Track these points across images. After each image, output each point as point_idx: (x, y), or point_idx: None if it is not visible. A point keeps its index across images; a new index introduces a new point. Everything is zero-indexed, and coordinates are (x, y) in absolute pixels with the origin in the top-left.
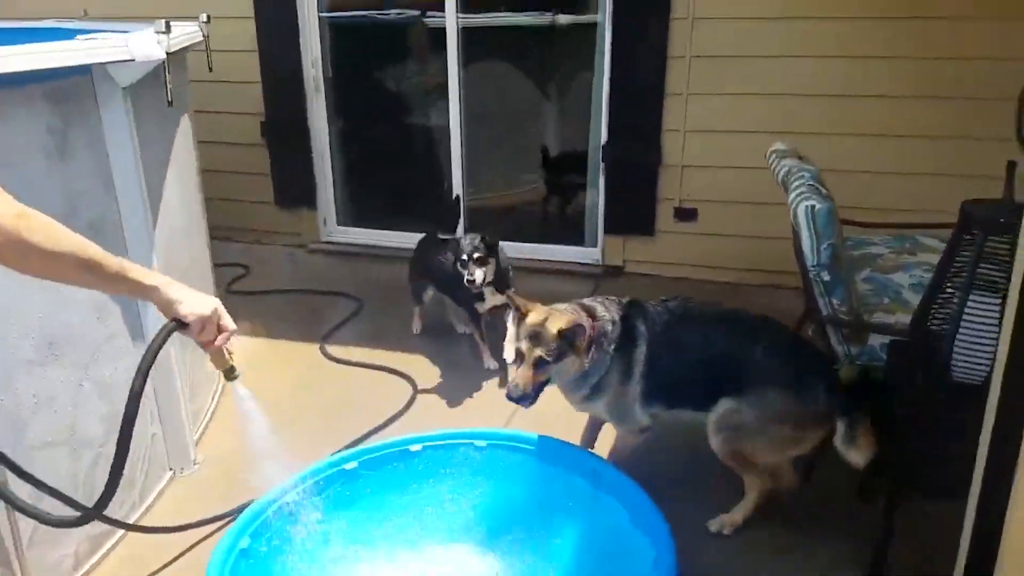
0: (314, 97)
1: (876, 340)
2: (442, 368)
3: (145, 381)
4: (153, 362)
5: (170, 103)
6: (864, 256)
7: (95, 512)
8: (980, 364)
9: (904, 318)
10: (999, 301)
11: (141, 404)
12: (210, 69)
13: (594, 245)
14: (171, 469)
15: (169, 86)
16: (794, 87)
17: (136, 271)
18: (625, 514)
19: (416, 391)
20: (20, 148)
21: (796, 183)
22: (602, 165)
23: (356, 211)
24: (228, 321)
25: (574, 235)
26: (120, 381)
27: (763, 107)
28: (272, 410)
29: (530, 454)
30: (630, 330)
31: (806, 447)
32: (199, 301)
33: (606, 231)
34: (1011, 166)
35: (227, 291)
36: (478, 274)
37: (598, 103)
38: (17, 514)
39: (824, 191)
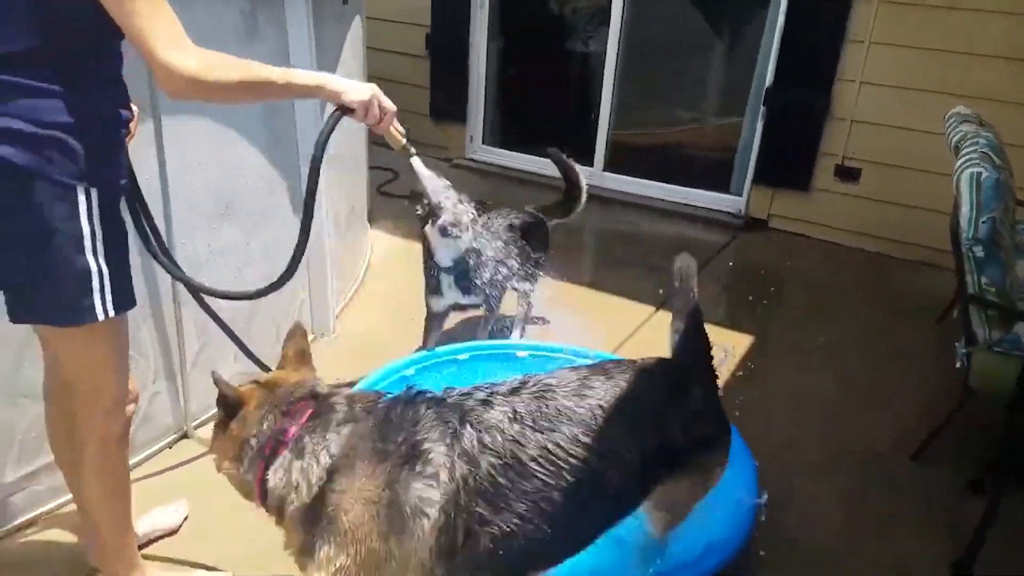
0: (478, 13)
1: (1023, 329)
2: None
3: (322, 157)
4: (326, 144)
5: (345, 1)
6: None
7: (277, 285)
8: None
9: None
10: None
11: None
12: None
13: (739, 194)
14: (313, 334)
15: None
16: (989, 47)
17: (300, 76)
18: None
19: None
20: (216, 28)
21: (968, 148)
22: (763, 109)
23: (503, 132)
24: (388, 103)
25: (719, 180)
26: (281, 246)
27: (952, 65)
28: (402, 305)
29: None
30: None
31: None
32: (359, 88)
33: (755, 180)
34: None
35: (377, 191)
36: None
37: (768, 43)
38: (183, 339)
39: (998, 161)
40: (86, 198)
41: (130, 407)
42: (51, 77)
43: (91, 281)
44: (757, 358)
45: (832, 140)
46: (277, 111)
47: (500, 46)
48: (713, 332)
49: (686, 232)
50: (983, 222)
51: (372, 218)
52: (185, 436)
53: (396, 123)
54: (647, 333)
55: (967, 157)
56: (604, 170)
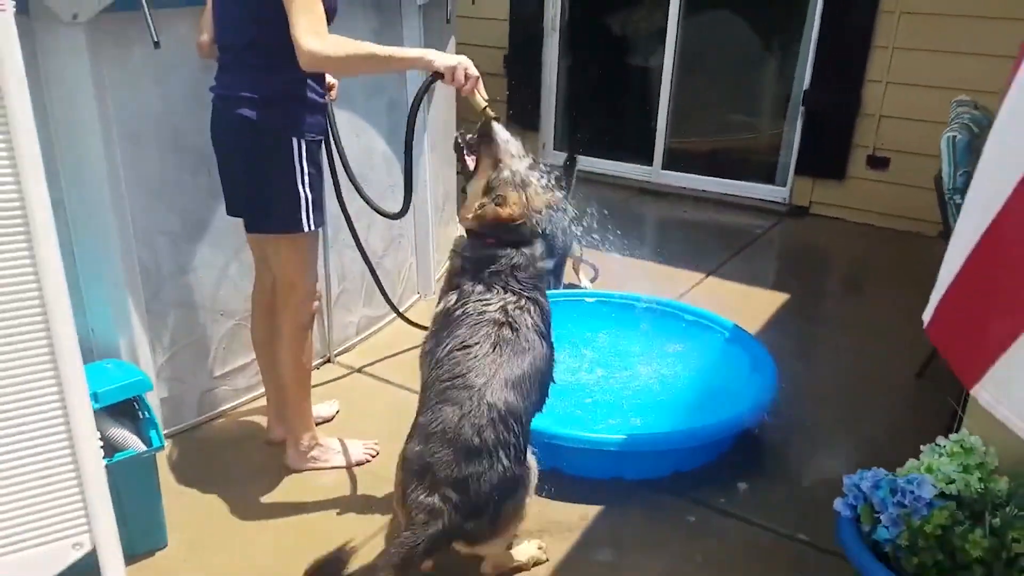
0: (550, 35)
1: None
2: None
3: (417, 109)
4: (420, 101)
5: (448, 21)
6: None
7: (401, 214)
8: None
9: None
10: None
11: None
12: (472, 2)
13: (783, 184)
14: (418, 293)
15: (449, 7)
16: (997, 48)
17: (402, 51)
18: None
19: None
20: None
21: (953, 122)
22: (801, 109)
23: (571, 138)
24: (473, 71)
25: (765, 173)
26: (394, 221)
27: (965, 65)
28: None
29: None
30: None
31: None
32: (450, 56)
33: (797, 172)
34: None
35: (461, 191)
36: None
37: (805, 52)
38: (329, 282)
39: (976, 131)
40: (297, 145)
41: (315, 303)
42: (264, 60)
43: (301, 203)
44: (799, 317)
45: (863, 133)
46: (395, 108)
47: (568, 63)
48: (761, 295)
49: (736, 219)
50: (959, 176)
51: (459, 209)
52: (328, 361)
53: (481, 89)
54: (696, 295)
55: (949, 128)
56: (661, 168)
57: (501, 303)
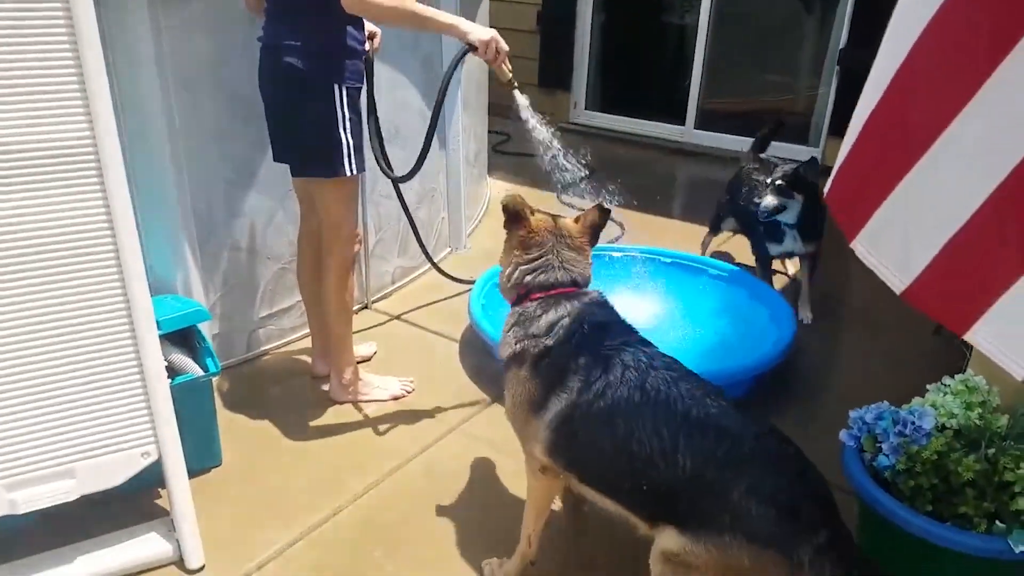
0: None
1: None
2: None
3: (450, 79)
4: (453, 70)
5: None
6: None
7: (408, 176)
8: None
9: None
10: None
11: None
12: None
13: (816, 145)
14: (450, 247)
15: None
16: None
17: (440, 16)
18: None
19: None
20: None
21: None
22: (836, 68)
23: (603, 98)
24: (503, 45)
25: (798, 133)
26: (427, 172)
27: None
28: None
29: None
30: (563, 364)
31: None
32: (483, 30)
33: (830, 132)
34: None
35: (493, 150)
36: (769, 200)
37: (842, 11)
38: (367, 232)
39: None
40: (339, 93)
41: (357, 245)
42: (314, 14)
43: (344, 148)
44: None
45: None
46: (430, 65)
47: (602, 20)
48: None
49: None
50: None
51: (489, 170)
52: (366, 307)
53: (507, 62)
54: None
55: None
56: (694, 128)
57: None
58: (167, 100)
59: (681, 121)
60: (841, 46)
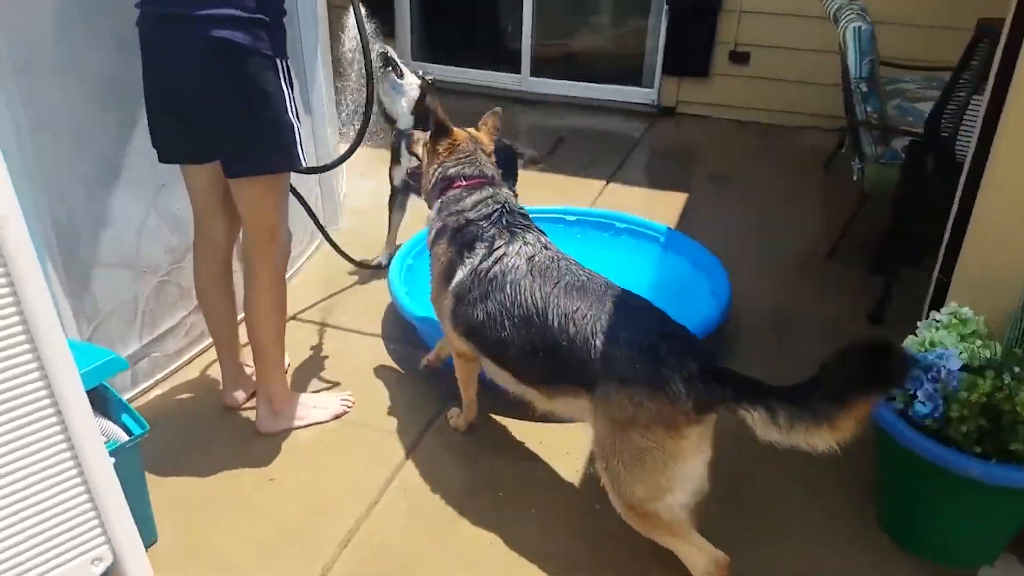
0: None
1: (897, 144)
2: None
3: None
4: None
5: None
6: (896, 89)
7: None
8: None
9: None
10: None
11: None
12: None
13: (651, 86)
14: (325, 223)
15: None
16: None
17: None
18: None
19: None
20: None
21: (847, 13)
22: (665, 8)
23: (429, 47)
24: None
25: (632, 75)
26: None
27: None
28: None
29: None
30: (476, 231)
31: (679, 471)
32: None
33: (664, 72)
34: None
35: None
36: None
37: None
38: None
39: (869, 20)
40: (282, 67)
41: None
42: None
43: (294, 134)
44: (691, 211)
45: (725, 30)
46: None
47: None
48: (654, 195)
49: (609, 124)
50: (865, 64)
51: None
52: None
53: None
54: (605, 202)
55: (847, 18)
56: (531, 76)
57: None
58: (2, 88)
59: (516, 69)
60: None
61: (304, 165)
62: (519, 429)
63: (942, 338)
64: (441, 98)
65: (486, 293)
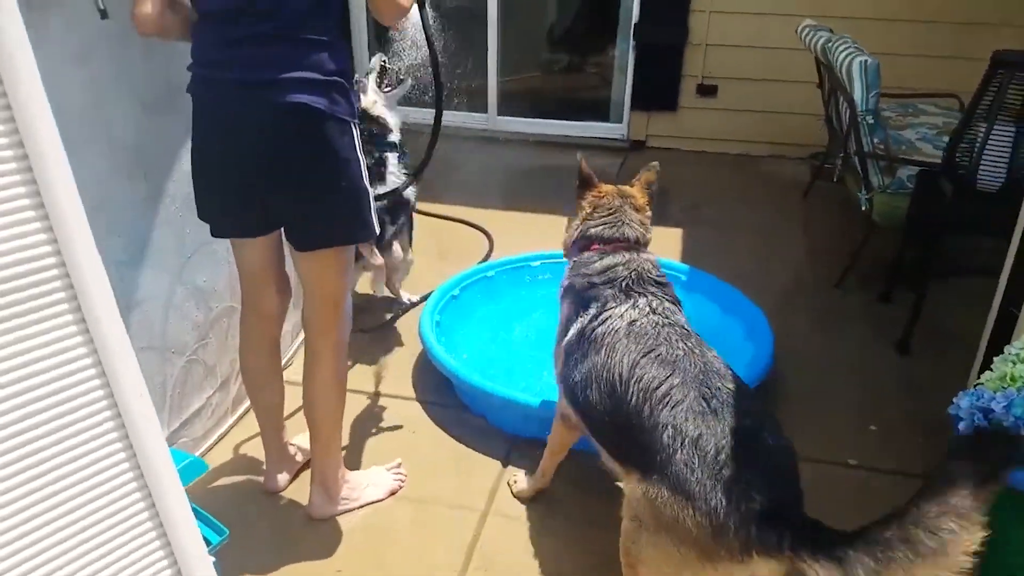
0: None
1: (902, 173)
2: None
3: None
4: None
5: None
6: (881, 119)
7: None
8: (998, 176)
9: (920, 159)
10: (1013, 129)
11: None
12: None
13: (619, 121)
14: None
15: None
16: None
17: None
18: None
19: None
20: None
21: (842, 46)
22: (632, 43)
23: None
24: None
25: (601, 111)
26: None
27: None
28: None
29: None
30: (595, 294)
31: None
32: None
33: (632, 107)
34: None
35: None
36: None
37: None
38: None
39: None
40: (356, 131)
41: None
42: (325, 32)
43: (369, 201)
44: (681, 246)
45: (692, 63)
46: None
47: None
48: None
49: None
50: (871, 97)
51: None
52: None
53: None
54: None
55: (847, 51)
56: (498, 115)
57: None
58: None
59: (484, 109)
60: (635, 21)
61: (378, 232)
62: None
63: (1022, 372)
64: (411, 139)
65: (585, 354)
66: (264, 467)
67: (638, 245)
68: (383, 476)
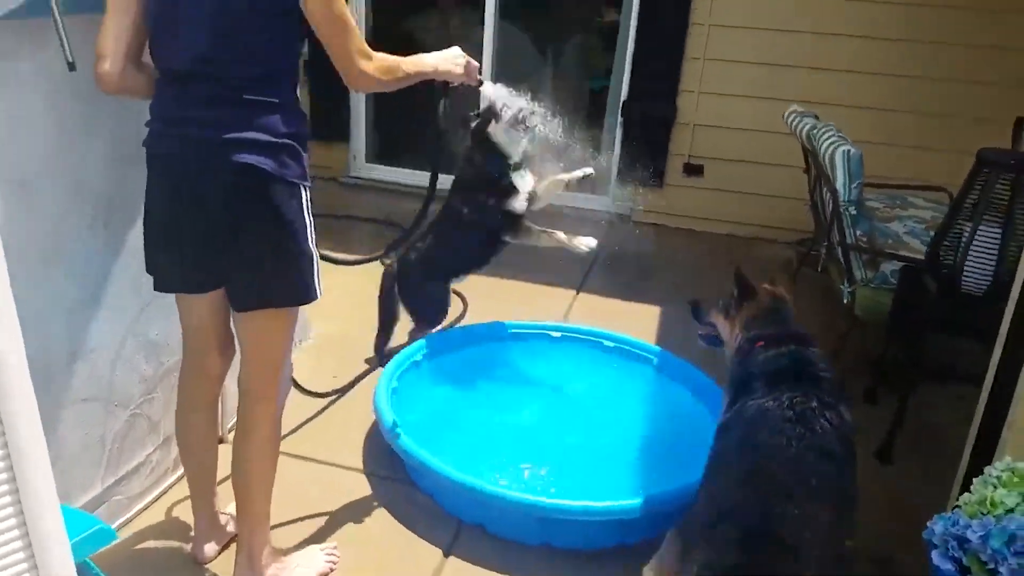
0: None
1: (886, 268)
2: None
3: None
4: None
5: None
6: (866, 209)
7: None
8: (984, 278)
9: (905, 254)
10: (1000, 230)
11: None
12: None
13: (605, 194)
14: (298, 340)
15: None
16: (800, 60)
17: (419, 63)
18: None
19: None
20: None
21: (827, 134)
22: (620, 120)
23: (383, 149)
24: (473, 61)
25: (587, 184)
26: None
27: (770, 76)
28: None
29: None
30: (750, 383)
31: None
32: (449, 57)
33: (618, 182)
34: (1019, 122)
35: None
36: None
37: (621, 64)
38: None
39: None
40: (306, 194)
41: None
42: (278, 94)
43: (313, 264)
44: (665, 325)
45: (679, 142)
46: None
47: None
48: (626, 308)
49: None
50: (854, 187)
51: None
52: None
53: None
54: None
55: (830, 140)
56: None
57: None
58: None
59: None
60: (623, 99)
61: (319, 296)
62: None
63: (1003, 497)
64: (396, 200)
65: (718, 437)
66: (192, 534)
67: (800, 337)
68: (316, 557)
